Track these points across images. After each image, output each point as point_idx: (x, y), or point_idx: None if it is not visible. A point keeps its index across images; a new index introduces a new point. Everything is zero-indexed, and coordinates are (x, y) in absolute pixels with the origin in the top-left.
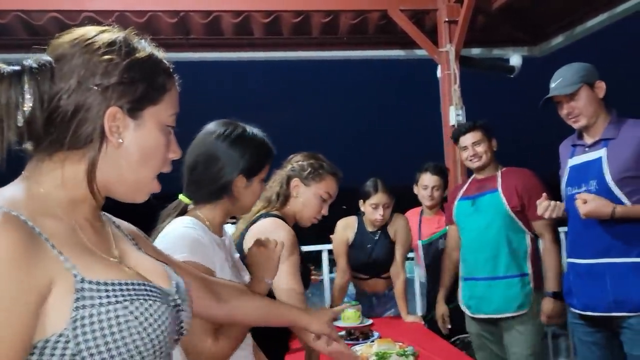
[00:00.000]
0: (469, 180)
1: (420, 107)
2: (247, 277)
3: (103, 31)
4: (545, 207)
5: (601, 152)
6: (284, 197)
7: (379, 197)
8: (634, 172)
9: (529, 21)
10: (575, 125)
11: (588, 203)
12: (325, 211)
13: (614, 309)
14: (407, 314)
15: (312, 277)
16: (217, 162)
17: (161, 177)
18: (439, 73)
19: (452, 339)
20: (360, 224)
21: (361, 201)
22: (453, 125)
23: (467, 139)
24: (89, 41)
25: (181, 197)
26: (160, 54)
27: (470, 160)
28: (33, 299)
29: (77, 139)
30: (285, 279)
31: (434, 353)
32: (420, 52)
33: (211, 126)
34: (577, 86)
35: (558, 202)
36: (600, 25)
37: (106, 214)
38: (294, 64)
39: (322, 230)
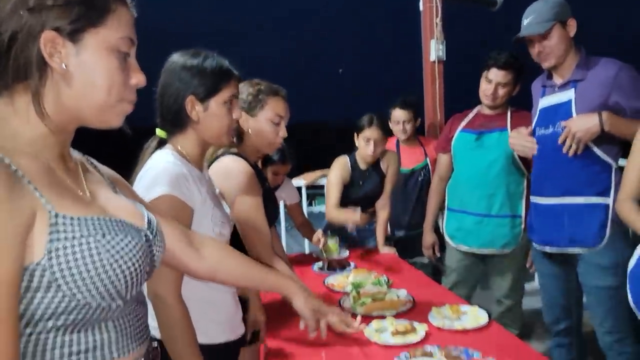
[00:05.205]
0: (474, 112)
1: (400, 41)
2: (227, 211)
3: None
4: (516, 137)
5: (570, 94)
6: (237, 134)
7: (372, 132)
8: None
9: None
10: (544, 65)
11: (572, 122)
12: (283, 133)
13: (569, 245)
14: (383, 245)
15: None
16: (172, 87)
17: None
18: (420, 6)
19: (411, 260)
20: (354, 163)
21: (355, 134)
22: (434, 61)
23: (497, 75)
24: None
25: (158, 131)
26: None
27: (487, 96)
28: (21, 231)
29: (18, 68)
30: (248, 214)
31: (406, 281)
32: None
33: (172, 56)
34: (550, 24)
35: (531, 142)
36: None
37: (89, 157)
38: None
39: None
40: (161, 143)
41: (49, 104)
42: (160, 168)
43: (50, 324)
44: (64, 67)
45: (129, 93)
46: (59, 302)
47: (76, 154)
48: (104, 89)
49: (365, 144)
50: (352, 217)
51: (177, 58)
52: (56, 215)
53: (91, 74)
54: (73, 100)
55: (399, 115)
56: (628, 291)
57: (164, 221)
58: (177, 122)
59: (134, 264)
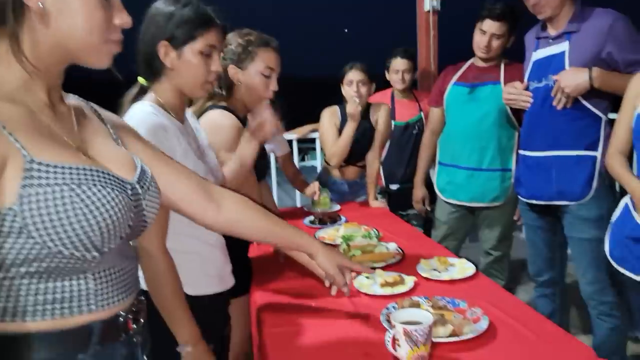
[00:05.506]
0: (467, 65)
1: None
2: (212, 163)
3: None
4: (512, 91)
5: (564, 46)
6: (227, 87)
7: (353, 74)
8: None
9: None
10: (540, 16)
11: (562, 76)
12: (274, 86)
13: (556, 198)
14: (374, 199)
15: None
16: (148, 33)
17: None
18: None
19: (405, 212)
20: (343, 113)
21: (341, 85)
22: (428, 11)
23: (491, 27)
24: None
25: (139, 78)
26: None
27: (480, 48)
28: None
29: None
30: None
31: (396, 234)
32: None
33: (155, 2)
34: None
35: (525, 96)
36: None
37: (93, 104)
38: None
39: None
40: (143, 92)
41: (27, 45)
42: (137, 119)
43: (23, 270)
44: (41, 5)
45: (113, 33)
46: (30, 248)
47: (75, 100)
48: (86, 29)
49: (348, 88)
50: (350, 108)
51: (158, 4)
52: (31, 161)
53: (70, 13)
54: (54, 40)
55: (399, 64)
56: (606, 240)
57: (179, 172)
58: (152, 68)
59: (110, 217)
